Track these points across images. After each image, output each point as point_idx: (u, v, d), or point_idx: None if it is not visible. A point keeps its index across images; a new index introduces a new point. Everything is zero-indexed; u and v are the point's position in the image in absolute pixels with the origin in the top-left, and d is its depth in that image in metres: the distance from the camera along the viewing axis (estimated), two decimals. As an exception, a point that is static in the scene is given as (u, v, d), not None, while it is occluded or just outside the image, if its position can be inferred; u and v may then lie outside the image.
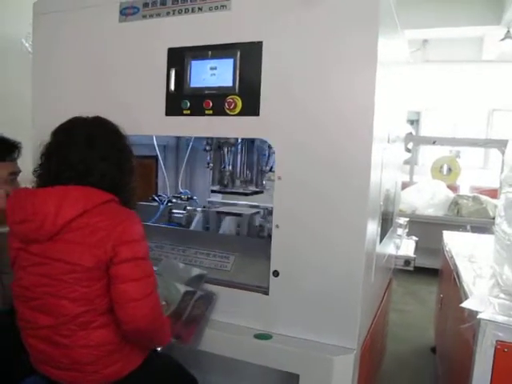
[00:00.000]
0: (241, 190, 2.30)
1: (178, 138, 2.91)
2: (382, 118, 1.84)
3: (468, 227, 4.62)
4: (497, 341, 1.66)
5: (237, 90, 1.73)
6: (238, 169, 2.32)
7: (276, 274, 1.72)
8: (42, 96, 2.15)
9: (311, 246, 1.67)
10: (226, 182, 2.27)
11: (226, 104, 1.72)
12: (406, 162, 6.00)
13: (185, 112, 1.81)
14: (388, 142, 1.97)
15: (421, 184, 5.42)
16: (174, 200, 2.54)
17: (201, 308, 1.79)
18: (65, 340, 1.41)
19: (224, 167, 2.26)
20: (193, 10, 1.79)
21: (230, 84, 1.74)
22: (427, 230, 4.57)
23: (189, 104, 1.80)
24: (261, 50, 1.68)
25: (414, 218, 4.74)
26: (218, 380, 1.94)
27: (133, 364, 1.52)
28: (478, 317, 1.70)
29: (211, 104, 1.76)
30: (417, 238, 3.33)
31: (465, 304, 1.82)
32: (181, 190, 2.69)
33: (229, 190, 2.28)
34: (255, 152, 2.32)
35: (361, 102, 1.57)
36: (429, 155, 7.23)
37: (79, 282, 1.38)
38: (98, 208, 1.43)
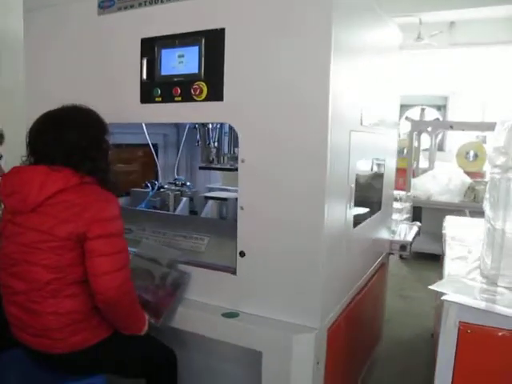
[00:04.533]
0: (228, 166, 2.37)
1: (178, 125, 2.99)
2: (351, 102, 1.85)
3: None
4: (460, 322, 1.66)
5: (202, 77, 1.78)
6: (225, 145, 2.37)
7: (242, 254, 1.78)
8: (33, 90, 2.28)
9: (275, 227, 1.72)
10: (211, 159, 2.34)
11: (193, 90, 1.78)
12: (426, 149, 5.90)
13: (157, 99, 1.89)
14: (361, 124, 1.97)
15: (437, 170, 5.29)
16: (166, 186, 2.64)
17: (174, 287, 1.87)
18: (36, 306, 1.54)
19: (209, 143, 2.32)
20: (162, 1, 1.86)
21: (196, 71, 1.79)
22: (443, 216, 4.49)
23: (160, 91, 1.87)
24: (223, 37, 1.73)
25: (429, 205, 4.66)
26: (196, 357, 2.02)
27: (101, 334, 1.63)
28: (441, 298, 1.70)
29: (179, 91, 1.82)
30: (420, 224, 3.29)
31: (433, 286, 1.82)
32: (176, 177, 2.78)
33: (214, 166, 2.35)
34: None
35: (316, 86, 1.60)
36: (457, 141, 7.01)
37: (53, 250, 1.52)
38: (76, 187, 1.57)
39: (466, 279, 1.90)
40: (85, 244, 1.52)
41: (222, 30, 1.73)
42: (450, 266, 2.11)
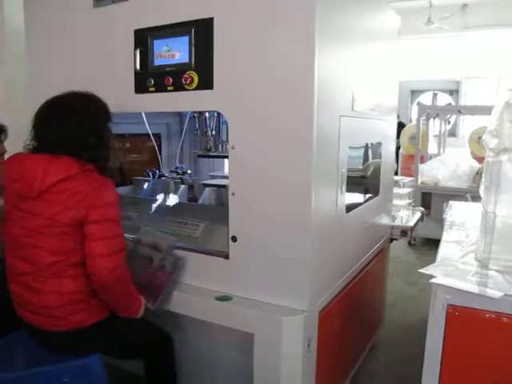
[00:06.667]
0: (225, 154, 2.42)
1: (180, 114, 3.04)
2: (340, 89, 1.87)
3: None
4: (448, 304, 1.67)
5: (193, 66, 1.82)
6: (223, 133, 2.42)
7: (234, 239, 1.82)
8: (33, 81, 2.35)
9: (264, 212, 1.75)
10: (209, 147, 2.39)
11: (184, 79, 1.82)
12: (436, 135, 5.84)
13: (150, 89, 1.93)
14: (352, 110, 1.98)
15: (444, 156, 5.23)
16: (166, 174, 2.69)
17: (170, 272, 1.93)
18: (39, 285, 1.63)
19: (206, 132, 2.37)
20: (153, -8, 1.89)
21: (187, 60, 1.82)
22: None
23: (153, 81, 1.91)
24: (212, 26, 1.75)
25: (437, 191, 4.63)
26: (192, 340, 2.07)
27: (99, 316, 1.70)
28: (430, 281, 1.72)
29: (171, 80, 1.86)
30: (423, 209, 3.29)
31: (423, 269, 1.83)
32: (177, 165, 2.83)
33: (212, 154, 2.40)
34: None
35: (302, 72, 1.62)
36: (470, 127, 6.92)
37: (55, 236, 1.60)
38: (78, 175, 1.63)
39: (458, 263, 1.91)
40: (83, 227, 1.59)
41: (211, 20, 1.75)
42: (444, 249, 2.12)
